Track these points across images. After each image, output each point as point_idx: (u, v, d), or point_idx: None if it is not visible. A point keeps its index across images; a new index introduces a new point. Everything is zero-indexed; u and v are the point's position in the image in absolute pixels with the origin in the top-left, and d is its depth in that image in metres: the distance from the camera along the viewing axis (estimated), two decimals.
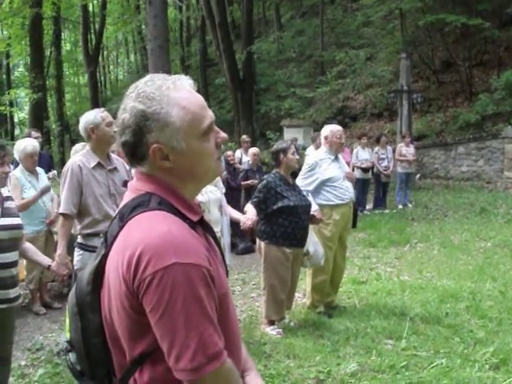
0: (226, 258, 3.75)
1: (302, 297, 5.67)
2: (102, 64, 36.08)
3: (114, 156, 3.86)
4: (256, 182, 7.81)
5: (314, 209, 4.85)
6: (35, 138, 6.65)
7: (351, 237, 7.39)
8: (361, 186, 10.82)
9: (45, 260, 3.41)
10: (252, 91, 21.22)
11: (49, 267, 3.37)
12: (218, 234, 4.21)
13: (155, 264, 1.14)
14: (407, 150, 11.82)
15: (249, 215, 4.50)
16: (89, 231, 3.62)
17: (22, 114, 35.65)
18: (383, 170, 11.47)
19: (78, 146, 5.39)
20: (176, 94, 1.29)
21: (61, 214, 3.70)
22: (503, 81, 14.57)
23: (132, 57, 42.44)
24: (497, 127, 14.82)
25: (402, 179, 11.74)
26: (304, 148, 13.08)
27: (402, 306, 5.22)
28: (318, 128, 12.84)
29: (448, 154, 15.52)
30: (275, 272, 4.66)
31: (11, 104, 29.13)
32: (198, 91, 1.37)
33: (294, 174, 5.11)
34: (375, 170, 11.49)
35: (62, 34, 31.02)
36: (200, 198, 3.90)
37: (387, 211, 11.34)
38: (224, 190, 4.80)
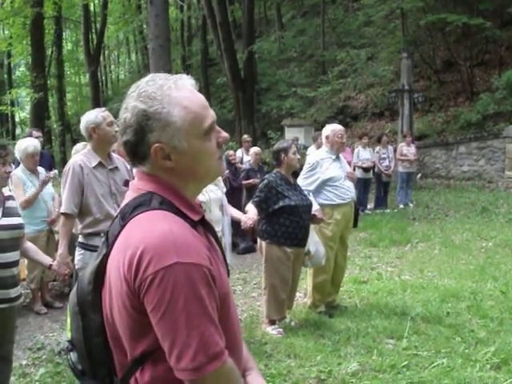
0: (227, 258, 3.75)
1: (303, 296, 5.67)
2: (103, 63, 36.10)
3: (114, 155, 3.86)
4: (257, 181, 7.80)
5: (315, 208, 4.84)
6: (36, 137, 6.66)
7: (352, 236, 7.40)
8: (362, 185, 10.82)
9: (46, 259, 3.42)
10: (253, 91, 21.22)
11: (50, 267, 3.37)
12: (219, 234, 4.20)
13: (156, 263, 1.14)
14: (408, 150, 11.81)
15: (250, 215, 4.50)
16: (90, 231, 3.62)
17: (23, 114, 35.68)
18: (384, 169, 11.46)
19: (78, 146, 5.39)
20: (177, 93, 1.29)
21: (62, 213, 3.70)
22: (504, 80, 14.56)
23: (133, 56, 42.45)
24: (498, 127, 14.81)
25: (403, 179, 11.73)
26: (305, 147, 13.09)
27: (403, 306, 5.22)
28: (319, 127, 12.83)
29: (449, 153, 15.51)
30: (276, 271, 4.66)
31: (12, 103, 29.15)
32: (200, 91, 1.37)
33: (295, 174, 5.10)
34: (376, 169, 11.48)
35: (64, 33, 31.03)
36: (201, 197, 3.90)
37: (388, 211, 11.34)
38: (225, 190, 4.80)
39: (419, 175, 15.07)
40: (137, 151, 1.30)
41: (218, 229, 4.11)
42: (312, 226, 4.80)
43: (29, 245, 3.40)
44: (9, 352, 3.31)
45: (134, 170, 1.43)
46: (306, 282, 5.43)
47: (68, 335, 1.39)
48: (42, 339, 4.88)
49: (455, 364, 3.85)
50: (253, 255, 7.78)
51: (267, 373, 3.77)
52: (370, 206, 11.80)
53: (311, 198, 4.93)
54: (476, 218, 10.18)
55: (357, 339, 4.43)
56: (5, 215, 3.10)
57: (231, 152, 9.32)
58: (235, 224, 4.98)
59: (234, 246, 7.56)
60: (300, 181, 5.06)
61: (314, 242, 4.78)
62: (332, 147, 5.22)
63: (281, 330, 4.71)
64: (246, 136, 11.48)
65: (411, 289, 5.81)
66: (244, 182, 8.67)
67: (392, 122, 17.87)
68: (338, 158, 5.27)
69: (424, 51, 19.18)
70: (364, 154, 11.13)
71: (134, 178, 1.42)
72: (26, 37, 22.41)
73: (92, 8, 31.38)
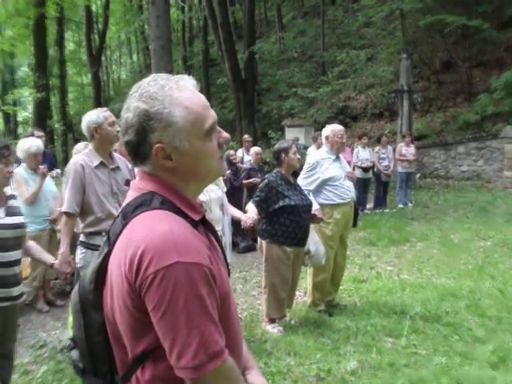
0: (228, 257, 3.75)
1: (303, 295, 5.67)
2: (104, 64, 36.17)
3: (116, 155, 3.86)
4: (258, 180, 7.80)
5: (315, 208, 4.84)
6: (38, 137, 6.67)
7: (352, 236, 7.39)
8: (361, 185, 10.82)
9: (48, 258, 3.42)
10: (254, 91, 21.22)
11: (52, 265, 3.38)
12: (220, 233, 4.20)
13: (157, 263, 1.14)
14: (407, 150, 11.81)
15: (250, 214, 4.50)
16: (91, 230, 3.62)
17: (25, 113, 35.67)
18: (384, 169, 11.46)
19: (79, 146, 5.39)
20: (179, 94, 1.29)
21: (64, 212, 3.70)
22: (503, 81, 14.56)
23: (135, 57, 42.46)
24: (496, 127, 14.83)
25: (403, 179, 11.73)
26: (305, 147, 13.08)
27: (401, 305, 5.22)
28: (319, 128, 12.83)
29: (448, 153, 15.51)
30: (276, 270, 4.66)
31: (15, 103, 29.19)
32: (201, 91, 1.37)
33: (295, 174, 5.10)
34: (376, 169, 11.48)
35: (66, 34, 31.01)
36: (201, 197, 3.90)
37: (387, 210, 11.34)
38: (225, 189, 4.80)
39: (418, 175, 15.07)
40: (138, 151, 1.30)
41: (218, 228, 4.11)
42: (312, 226, 4.80)
43: (31, 243, 3.40)
44: (11, 350, 3.31)
45: (136, 170, 1.43)
46: (306, 280, 5.43)
47: (70, 333, 1.40)
48: (44, 337, 4.88)
49: (453, 362, 3.85)
50: (253, 254, 7.78)
51: (267, 371, 3.77)
52: (370, 205, 11.79)
53: (311, 197, 4.93)
54: (474, 218, 10.18)
55: (356, 338, 4.43)
56: (7, 214, 3.10)
57: (232, 152, 9.31)
58: (235, 223, 4.98)
59: (235, 245, 7.56)
60: (300, 180, 5.06)
61: (314, 242, 4.78)
62: (332, 147, 5.22)
63: (281, 328, 4.71)
64: (246, 136, 11.48)
65: (410, 288, 5.81)
66: (245, 182, 8.66)
67: (391, 122, 17.89)
68: (337, 157, 5.26)
69: (423, 52, 19.19)
70: (363, 154, 11.13)
71: (135, 178, 1.42)
72: (29, 37, 22.41)
73: (94, 9, 31.41)
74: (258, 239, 4.87)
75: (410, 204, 11.84)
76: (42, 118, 20.64)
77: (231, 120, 21.73)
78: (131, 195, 1.35)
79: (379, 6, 20.22)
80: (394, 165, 11.73)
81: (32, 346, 4.66)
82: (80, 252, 3.66)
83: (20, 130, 35.52)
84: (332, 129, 5.26)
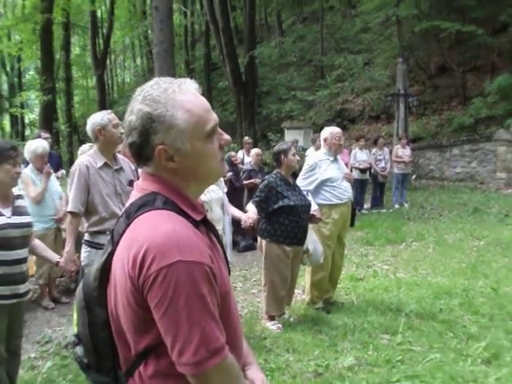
0: (228, 256, 3.75)
1: (302, 293, 5.66)
2: (109, 67, 36.10)
3: (120, 156, 3.85)
4: (258, 181, 7.80)
5: (314, 208, 4.84)
6: (45, 138, 6.67)
7: (349, 235, 7.38)
8: (359, 186, 10.81)
9: (53, 256, 3.42)
10: (254, 94, 21.21)
11: (57, 263, 3.38)
12: (220, 232, 4.20)
13: (159, 262, 1.14)
14: (403, 152, 11.80)
15: (250, 214, 4.49)
16: (96, 229, 3.62)
17: (32, 116, 35.68)
18: (380, 170, 11.46)
19: (84, 147, 5.40)
20: (181, 97, 1.28)
21: (69, 212, 3.70)
22: (496, 85, 14.57)
23: (138, 60, 42.46)
24: (490, 130, 14.84)
25: (399, 180, 11.73)
26: (304, 149, 13.08)
27: (397, 303, 5.21)
28: (317, 130, 12.85)
29: (443, 155, 15.51)
30: (276, 269, 4.66)
31: (22, 106, 29.19)
32: (202, 94, 1.37)
33: (295, 175, 5.10)
34: (373, 170, 11.48)
35: (72, 38, 31.01)
36: (203, 197, 3.89)
37: (384, 211, 11.34)
38: (226, 190, 4.79)
39: (414, 176, 15.06)
40: (141, 152, 1.30)
41: (219, 227, 4.11)
42: (310, 226, 4.79)
43: (37, 242, 3.40)
44: (17, 346, 3.31)
45: (140, 171, 1.43)
46: (305, 279, 5.42)
47: (74, 330, 1.39)
48: (50, 333, 4.88)
49: (448, 358, 3.84)
50: (253, 253, 7.78)
51: (266, 367, 3.77)
52: (367, 205, 11.79)
53: (310, 198, 4.93)
54: (468, 218, 10.18)
55: (353, 334, 4.43)
56: (14, 214, 3.10)
57: (233, 153, 9.31)
58: (236, 223, 4.98)
59: (235, 244, 7.56)
60: (299, 181, 5.05)
61: (313, 241, 4.78)
62: (330, 149, 5.22)
63: (280, 325, 4.70)
64: (246, 138, 11.48)
65: (406, 286, 5.81)
66: (245, 182, 8.66)
67: (388, 124, 17.88)
68: (335, 159, 5.26)
69: (419, 57, 19.19)
70: (361, 156, 11.13)
71: (138, 179, 1.42)
72: (36, 42, 22.43)
73: (99, 14, 31.42)
74: (258, 238, 4.87)
75: (405, 204, 11.84)
76: (48, 120, 20.63)
77: (232, 122, 21.72)
78: (134, 195, 1.34)
79: (376, 13, 20.20)
80: (391, 166, 11.73)
81: (38, 342, 4.66)
82: (84, 250, 3.66)
83: (27, 131, 35.54)
84: (330, 131, 5.26)
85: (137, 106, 1.28)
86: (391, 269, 6.74)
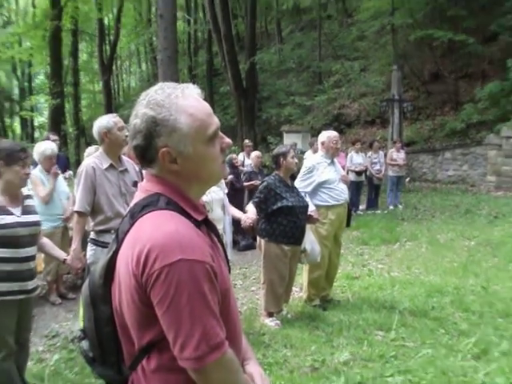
0: (229, 254, 3.74)
1: (299, 291, 5.65)
2: (115, 73, 36.09)
3: (125, 158, 3.85)
4: (258, 182, 7.79)
5: (311, 209, 4.84)
6: (53, 140, 6.66)
7: (345, 235, 7.38)
8: (355, 188, 10.80)
9: (61, 254, 3.42)
10: (254, 99, 21.21)
11: (64, 261, 3.38)
12: (221, 232, 4.20)
13: (162, 260, 1.14)
14: (398, 155, 11.80)
15: (249, 214, 4.49)
16: (101, 228, 3.61)
17: (41, 119, 35.64)
18: (375, 173, 11.47)
19: (91, 149, 5.40)
20: (184, 101, 1.28)
21: (76, 211, 3.70)
22: (486, 92, 14.59)
23: (143, 66, 42.46)
24: (480, 135, 14.86)
25: (393, 182, 11.72)
26: (302, 152, 13.05)
27: (391, 300, 5.21)
28: (315, 134, 12.85)
29: (435, 159, 15.52)
30: (274, 268, 4.65)
31: (32, 109, 29.19)
32: (205, 99, 1.36)
33: (293, 177, 5.10)
34: (368, 173, 11.48)
35: (80, 45, 30.99)
36: (204, 197, 3.87)
37: (379, 212, 11.33)
38: (226, 191, 4.79)
39: (408, 179, 15.06)
40: (145, 155, 1.30)
41: (219, 227, 4.10)
42: (308, 226, 4.79)
43: (45, 240, 3.40)
44: (26, 339, 3.31)
45: (144, 172, 1.43)
46: (302, 277, 5.41)
47: (80, 325, 1.39)
48: (57, 327, 4.88)
49: (439, 354, 3.84)
50: (253, 252, 7.76)
51: (265, 362, 3.76)
52: (362, 207, 11.78)
53: (307, 199, 4.92)
54: (460, 219, 10.17)
55: (348, 331, 4.42)
56: (24, 213, 3.10)
57: (234, 156, 9.31)
58: (236, 222, 4.97)
59: (235, 243, 7.55)
60: (297, 183, 5.05)
61: (310, 241, 4.77)
62: (327, 152, 5.21)
63: (278, 321, 4.70)
64: (247, 141, 11.48)
65: (399, 284, 5.80)
66: (246, 184, 8.66)
67: (383, 129, 17.88)
68: (332, 162, 5.26)
69: (413, 64, 19.20)
70: (357, 159, 11.12)
71: (142, 180, 1.42)
72: (46, 48, 22.44)
73: (106, 22, 31.42)
74: (257, 238, 4.87)
75: (399, 206, 11.83)
76: (56, 123, 20.64)
77: (233, 126, 21.72)
78: (139, 196, 1.34)
79: (372, 21, 20.24)
80: (385, 169, 11.73)
81: (46, 336, 4.66)
82: (90, 249, 3.66)
83: (36, 134, 35.52)
84: (327, 135, 5.26)
85: (141, 110, 1.28)
86: (385, 268, 6.73)
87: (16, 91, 38.67)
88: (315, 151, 8.19)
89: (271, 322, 4.67)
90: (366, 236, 8.76)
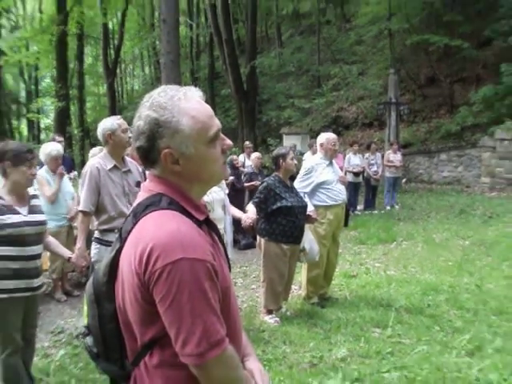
0: (229, 253, 3.74)
1: (298, 289, 5.65)
2: (119, 76, 36.06)
3: (128, 159, 3.85)
4: (259, 183, 7.79)
5: (310, 209, 4.83)
6: (59, 142, 6.66)
7: (343, 235, 7.38)
8: (352, 188, 10.80)
9: (66, 252, 3.42)
10: (255, 101, 21.20)
11: (69, 259, 3.38)
12: (222, 231, 4.19)
13: (164, 259, 1.14)
14: (394, 157, 11.80)
15: (249, 214, 4.49)
16: (105, 227, 3.61)
17: (47, 121, 35.62)
18: (373, 174, 11.45)
19: (95, 150, 5.40)
20: (186, 104, 1.28)
21: (80, 211, 3.70)
22: (481, 95, 14.59)
23: (147, 69, 42.42)
24: (475, 137, 14.86)
25: (390, 183, 11.72)
26: (301, 154, 13.05)
27: (388, 298, 5.20)
28: (314, 136, 12.81)
29: (431, 160, 15.52)
30: (274, 266, 4.65)
31: (38, 111, 29.19)
32: (206, 101, 1.36)
33: (292, 178, 5.09)
34: (365, 174, 11.47)
35: (85, 49, 30.99)
36: (205, 197, 3.89)
37: (376, 212, 11.32)
38: (227, 191, 4.78)
39: (404, 180, 15.06)
40: (148, 156, 1.30)
41: (220, 227, 4.10)
42: (307, 225, 4.79)
43: (50, 239, 3.40)
44: (32, 335, 3.31)
45: (147, 173, 1.43)
46: (301, 275, 5.41)
47: (85, 321, 1.39)
48: (62, 324, 4.88)
49: (434, 350, 3.84)
50: (253, 251, 7.76)
51: (264, 358, 3.76)
52: (360, 207, 11.78)
53: (306, 199, 4.92)
54: (454, 219, 10.16)
55: (346, 328, 4.42)
56: (30, 212, 3.10)
57: (235, 157, 9.31)
58: (236, 222, 4.97)
59: (236, 242, 7.54)
60: (297, 184, 5.05)
61: (309, 240, 4.77)
62: (326, 154, 5.21)
63: (277, 319, 4.69)
64: (247, 142, 11.47)
65: (396, 283, 5.80)
66: (246, 184, 8.65)
67: (380, 131, 17.88)
68: (331, 163, 5.25)
69: (409, 68, 19.20)
70: (354, 160, 11.12)
71: (145, 180, 1.42)
72: (52, 52, 22.45)
73: (111, 26, 31.42)
74: (257, 237, 4.86)
75: (396, 206, 11.82)
76: (62, 124, 20.65)
77: (234, 128, 21.71)
78: (141, 196, 1.34)
79: (369, 26, 20.25)
80: (383, 170, 11.73)
81: (51, 332, 4.66)
82: (94, 247, 3.66)
83: (43, 135, 35.49)
84: (326, 137, 5.25)
85: (145, 112, 1.28)
86: (382, 266, 6.73)
87: (23, 94, 38.67)
88: (314, 153, 8.17)
89: (271, 319, 4.67)
90: (363, 235, 8.75)
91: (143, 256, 1.16)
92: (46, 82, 36.73)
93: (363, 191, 12.00)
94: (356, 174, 11.08)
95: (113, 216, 3.58)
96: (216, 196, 4.28)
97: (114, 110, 24.54)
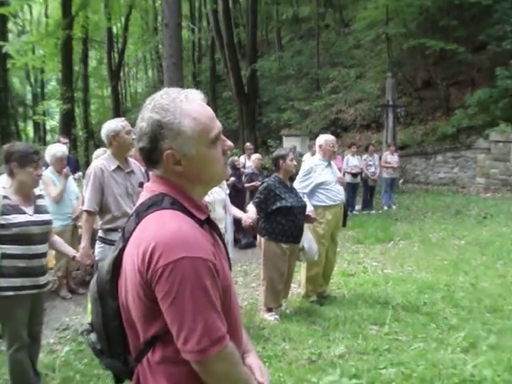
0: (230, 252, 3.74)
1: (297, 287, 5.64)
2: (123, 79, 36.05)
3: (131, 160, 3.85)
4: (259, 183, 7.78)
5: (309, 209, 4.83)
6: (64, 143, 6.69)
7: (341, 234, 7.36)
8: (350, 189, 10.80)
9: (71, 251, 3.42)
10: (255, 104, 21.21)
11: (74, 258, 3.38)
12: (223, 231, 4.19)
13: (166, 257, 1.14)
14: (392, 158, 11.79)
15: (250, 214, 4.49)
16: (109, 226, 3.61)
17: (53, 123, 35.68)
18: (371, 175, 11.46)
19: (99, 151, 5.40)
20: (188, 106, 1.28)
21: (85, 211, 3.70)
22: (476, 98, 14.58)
23: (150, 73, 42.41)
24: (470, 139, 14.86)
25: (388, 183, 11.72)
26: (301, 155, 13.05)
27: (385, 296, 5.20)
28: (313, 137, 12.78)
29: (428, 161, 15.51)
30: (274, 265, 4.64)
31: (44, 113, 29.21)
32: (208, 104, 1.36)
33: (292, 178, 5.09)
34: (363, 175, 11.46)
35: (89, 52, 31.02)
36: (206, 198, 3.89)
37: (374, 212, 11.32)
38: (228, 191, 4.78)
39: (401, 181, 15.05)
40: (151, 156, 1.30)
41: (221, 226, 4.10)
42: (306, 225, 4.78)
43: (56, 238, 3.40)
44: (38, 332, 3.32)
45: (150, 173, 1.43)
46: (300, 274, 5.41)
47: (89, 318, 1.39)
48: (67, 321, 4.88)
49: (430, 347, 3.83)
50: (253, 250, 7.75)
51: (264, 354, 3.76)
52: (358, 207, 11.77)
53: (306, 199, 4.92)
54: (450, 219, 10.16)
55: (344, 325, 4.41)
56: (36, 212, 3.11)
57: (236, 158, 9.30)
58: (237, 222, 4.97)
59: (236, 241, 7.53)
60: (296, 184, 5.05)
61: (308, 239, 4.76)
62: (325, 155, 5.21)
63: (277, 316, 4.69)
64: (248, 144, 11.47)
65: (393, 281, 5.79)
66: (247, 185, 8.65)
67: (378, 133, 17.87)
68: (329, 164, 5.25)
69: (406, 71, 19.20)
70: (353, 161, 11.11)
71: (148, 181, 1.42)
72: (58, 55, 22.48)
73: (115, 30, 31.41)
74: (258, 236, 4.86)
75: (393, 206, 11.82)
76: (67, 126, 20.69)
77: (235, 129, 21.71)
78: (144, 196, 1.34)
79: (367, 31, 20.22)
80: (380, 171, 11.72)
81: (56, 329, 4.66)
82: (98, 246, 3.66)
83: (48, 137, 35.48)
84: (325, 138, 5.25)
85: (147, 114, 1.28)
86: (380, 265, 6.72)
87: (29, 96, 38.67)
88: (313, 154, 8.17)
89: (270, 317, 4.66)
90: (361, 235, 8.75)
91: (146, 255, 1.16)
92: (52, 84, 36.78)
93: (361, 192, 11.99)
94: (354, 175, 11.07)
95: (116, 216, 3.59)
96: (217, 196, 4.28)
97: (117, 112, 24.55)
